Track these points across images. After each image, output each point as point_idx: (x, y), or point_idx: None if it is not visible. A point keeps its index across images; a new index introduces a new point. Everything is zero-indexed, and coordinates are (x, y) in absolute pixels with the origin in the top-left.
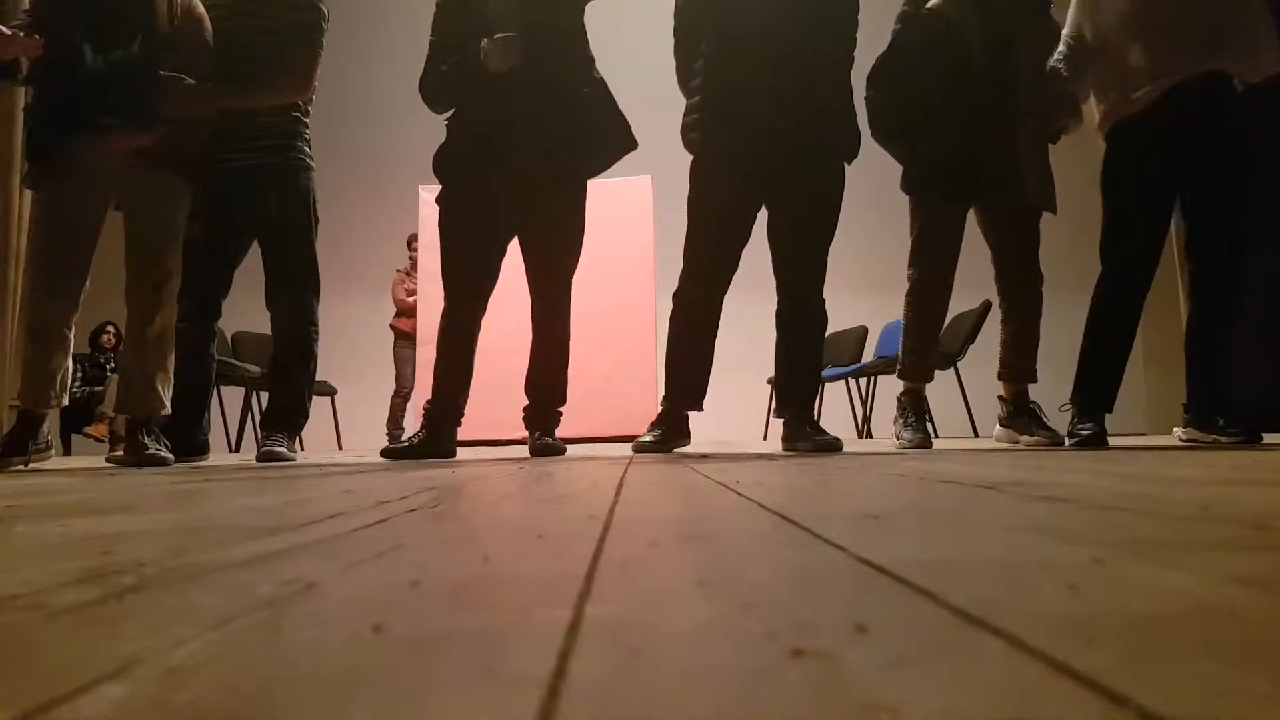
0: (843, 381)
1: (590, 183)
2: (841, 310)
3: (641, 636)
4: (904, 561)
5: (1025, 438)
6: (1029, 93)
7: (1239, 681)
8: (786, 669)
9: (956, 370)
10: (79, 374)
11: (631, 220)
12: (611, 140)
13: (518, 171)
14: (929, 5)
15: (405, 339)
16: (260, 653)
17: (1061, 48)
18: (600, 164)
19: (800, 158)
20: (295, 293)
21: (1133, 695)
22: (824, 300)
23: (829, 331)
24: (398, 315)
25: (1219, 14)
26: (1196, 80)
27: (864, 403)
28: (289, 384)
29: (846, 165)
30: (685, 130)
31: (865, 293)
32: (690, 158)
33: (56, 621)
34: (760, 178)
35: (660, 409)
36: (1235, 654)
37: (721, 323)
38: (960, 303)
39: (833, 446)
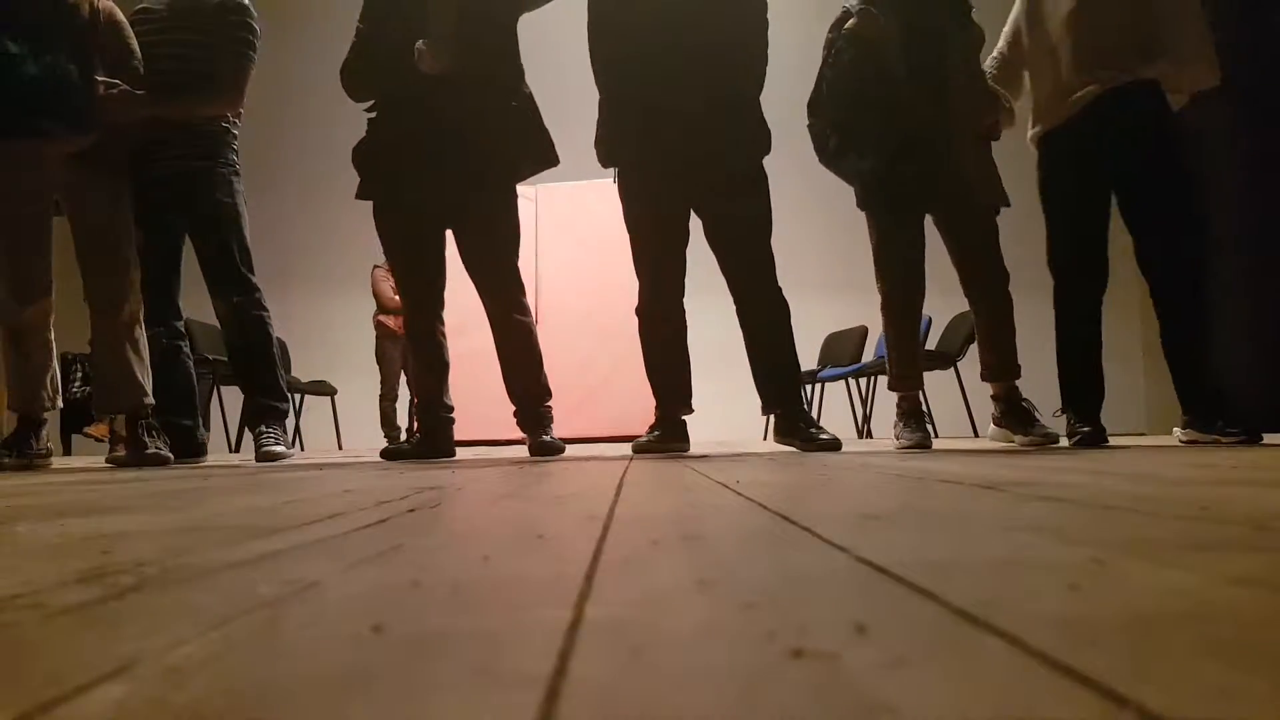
0: (843, 381)
1: (589, 182)
2: (841, 310)
3: (641, 636)
4: (904, 561)
5: (1019, 437)
6: (961, 95)
7: (1239, 681)
8: (787, 669)
9: (956, 370)
10: (79, 374)
11: None
12: (536, 152)
13: (445, 171)
14: (846, 26)
15: (391, 338)
16: (260, 653)
17: (994, 54)
18: (524, 172)
19: (714, 159)
20: (240, 282)
21: (1133, 695)
22: (779, 289)
23: (829, 331)
24: (384, 311)
25: (1152, 26)
26: (1123, 89)
27: (864, 403)
28: (258, 373)
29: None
30: (596, 142)
31: (865, 293)
32: None
33: (56, 621)
34: (679, 179)
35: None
36: (1235, 654)
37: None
38: (959, 303)
39: (832, 445)
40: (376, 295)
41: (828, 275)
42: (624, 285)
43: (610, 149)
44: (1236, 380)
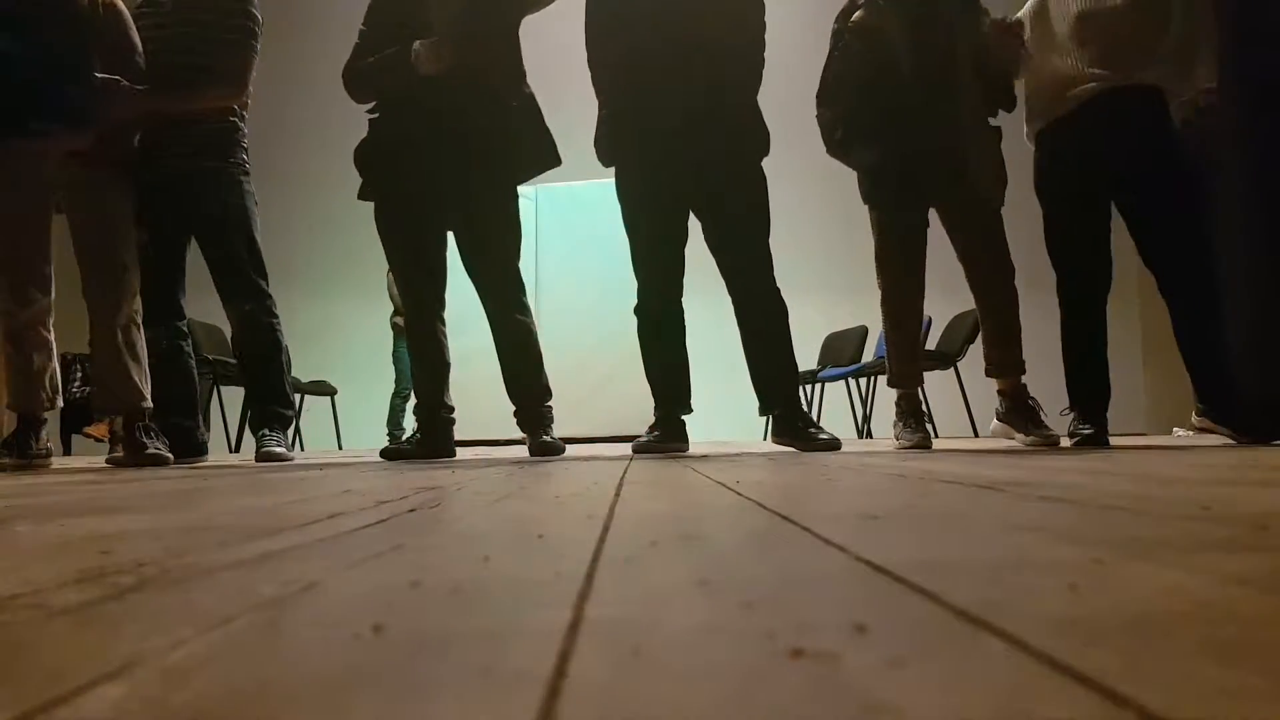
0: (843, 381)
1: (589, 182)
2: (841, 310)
3: (641, 636)
4: (904, 561)
5: (1021, 436)
6: (969, 89)
7: (1239, 681)
8: (786, 669)
9: (956, 370)
10: (79, 374)
11: None
12: (538, 154)
13: (445, 171)
14: (853, 19)
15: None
16: (260, 653)
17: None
18: (525, 173)
19: (713, 160)
20: (250, 287)
21: (1133, 695)
22: (778, 290)
23: (829, 332)
24: (399, 314)
25: (1158, 29)
26: (1124, 89)
27: (864, 403)
28: (265, 379)
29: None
30: (595, 142)
31: (865, 293)
32: None
33: (56, 621)
34: (679, 180)
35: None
36: (1235, 654)
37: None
38: (959, 303)
39: (831, 445)
40: (392, 298)
41: (828, 276)
42: (624, 285)
43: (610, 148)
44: (1246, 380)
